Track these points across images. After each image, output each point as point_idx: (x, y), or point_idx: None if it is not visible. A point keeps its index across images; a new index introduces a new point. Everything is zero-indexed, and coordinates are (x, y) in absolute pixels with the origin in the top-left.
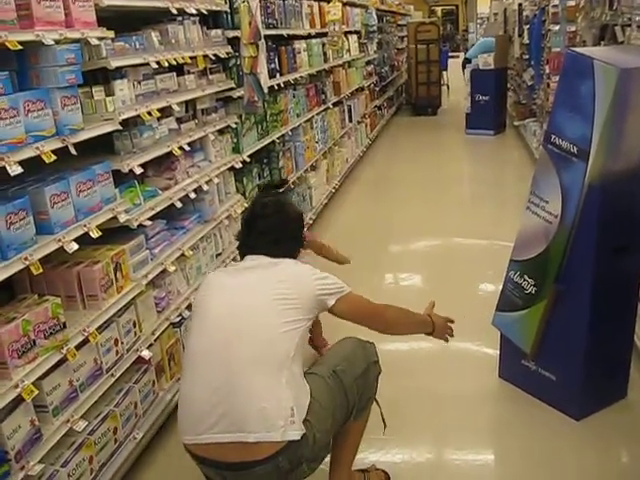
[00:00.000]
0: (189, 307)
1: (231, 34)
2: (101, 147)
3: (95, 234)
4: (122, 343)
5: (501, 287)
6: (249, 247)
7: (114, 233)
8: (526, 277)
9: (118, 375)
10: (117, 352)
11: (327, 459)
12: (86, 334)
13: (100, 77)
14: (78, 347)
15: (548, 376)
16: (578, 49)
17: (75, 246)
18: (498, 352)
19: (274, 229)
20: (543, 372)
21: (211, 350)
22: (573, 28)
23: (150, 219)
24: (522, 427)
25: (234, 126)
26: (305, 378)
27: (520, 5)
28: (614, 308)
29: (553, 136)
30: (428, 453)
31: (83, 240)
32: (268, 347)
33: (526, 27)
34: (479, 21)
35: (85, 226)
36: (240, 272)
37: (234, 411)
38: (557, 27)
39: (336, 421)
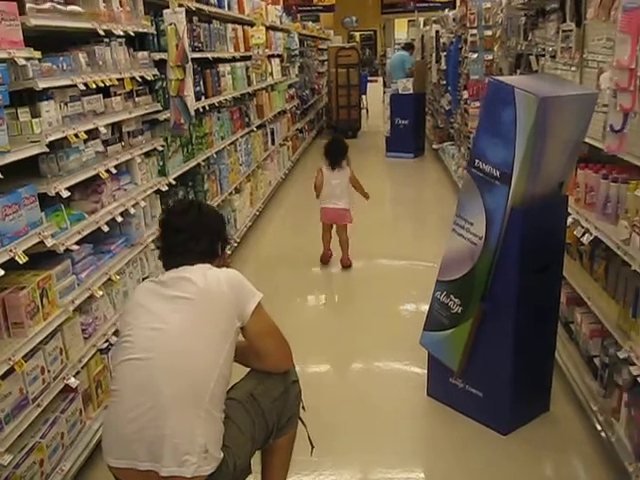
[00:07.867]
0: (116, 333)
1: (157, 56)
2: (26, 170)
3: (21, 259)
4: (48, 371)
5: (426, 307)
6: (167, 250)
7: (40, 258)
8: (452, 297)
9: (44, 405)
10: (43, 381)
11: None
12: (11, 363)
13: (25, 98)
14: (3, 377)
15: (475, 393)
16: (499, 77)
17: (0, 272)
18: (426, 371)
19: (191, 225)
20: (470, 389)
21: (137, 377)
22: (490, 56)
23: (77, 243)
24: (451, 444)
25: (160, 149)
26: (225, 404)
27: (437, 32)
28: (537, 325)
29: (477, 160)
30: (360, 473)
31: (9, 265)
32: (189, 381)
33: (443, 54)
34: (396, 47)
35: (11, 251)
36: (165, 299)
37: (151, 442)
38: (475, 55)
39: (256, 443)
